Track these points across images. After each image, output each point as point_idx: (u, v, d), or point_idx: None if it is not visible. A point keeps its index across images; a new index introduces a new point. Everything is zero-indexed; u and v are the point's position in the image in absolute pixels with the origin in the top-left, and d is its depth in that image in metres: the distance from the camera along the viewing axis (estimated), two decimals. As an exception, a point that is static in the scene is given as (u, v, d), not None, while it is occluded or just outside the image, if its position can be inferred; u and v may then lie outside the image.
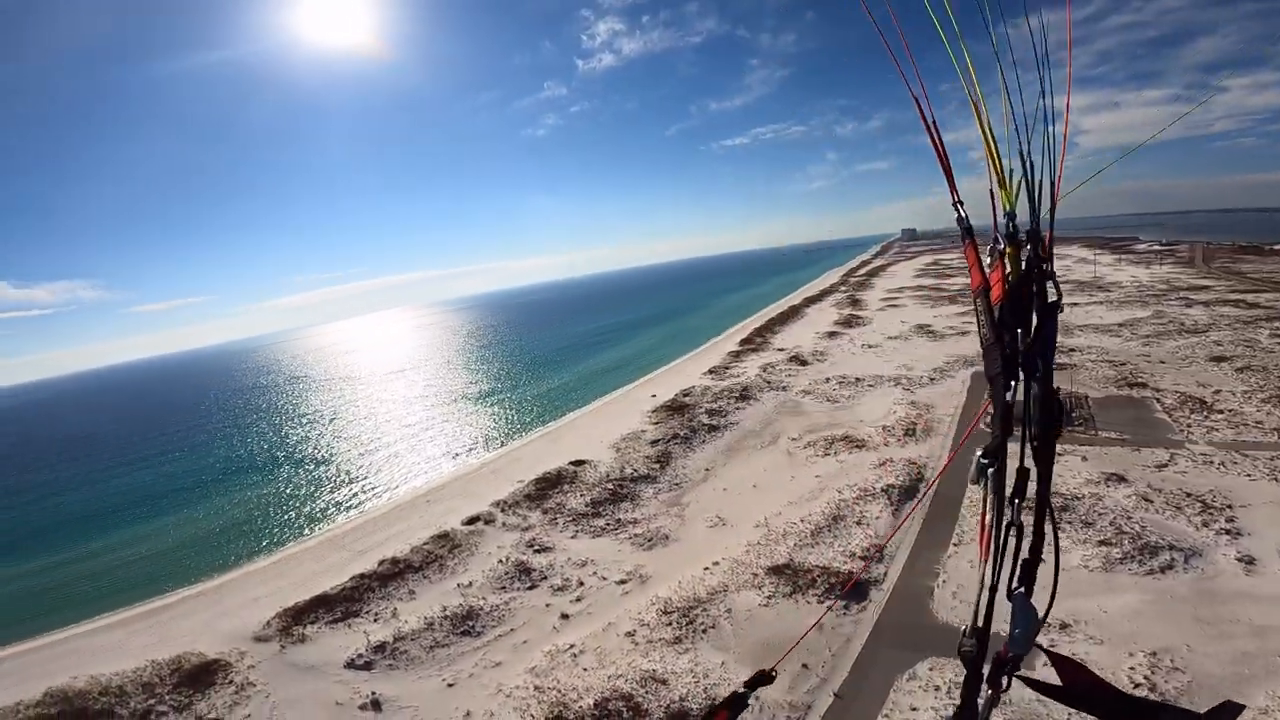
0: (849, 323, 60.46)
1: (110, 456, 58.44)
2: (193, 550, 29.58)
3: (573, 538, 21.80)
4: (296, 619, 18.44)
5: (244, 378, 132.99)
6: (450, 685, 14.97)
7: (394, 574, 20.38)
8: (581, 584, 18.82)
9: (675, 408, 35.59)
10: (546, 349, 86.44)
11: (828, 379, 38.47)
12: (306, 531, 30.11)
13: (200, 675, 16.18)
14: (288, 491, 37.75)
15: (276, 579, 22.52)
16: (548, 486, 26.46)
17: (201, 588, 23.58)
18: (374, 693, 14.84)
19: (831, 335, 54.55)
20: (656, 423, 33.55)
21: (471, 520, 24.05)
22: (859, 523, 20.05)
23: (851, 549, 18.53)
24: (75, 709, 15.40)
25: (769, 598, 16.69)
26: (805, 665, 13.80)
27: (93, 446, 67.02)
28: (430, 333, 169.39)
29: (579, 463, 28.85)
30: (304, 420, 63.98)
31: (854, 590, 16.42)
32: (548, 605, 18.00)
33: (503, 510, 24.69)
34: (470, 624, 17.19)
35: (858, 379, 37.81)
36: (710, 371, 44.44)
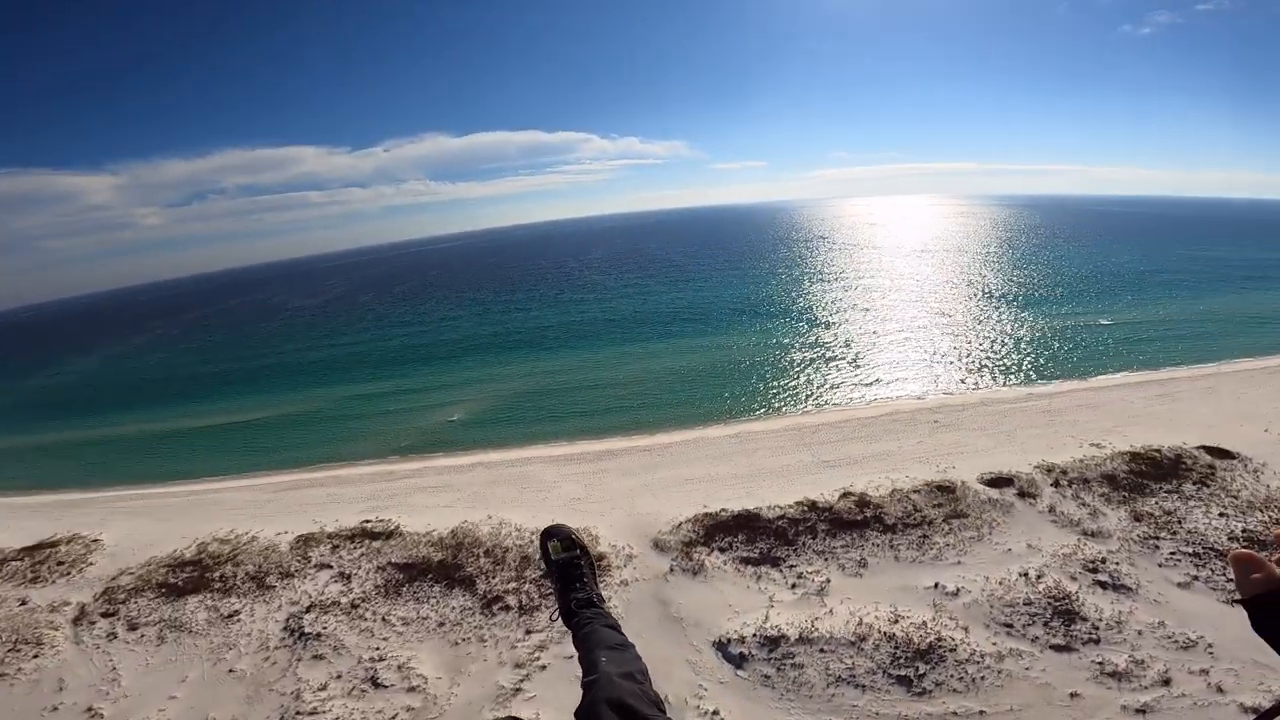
0: None
1: (672, 275, 68.96)
2: (679, 387, 29.32)
3: (1182, 585, 11.71)
4: (708, 535, 14.15)
5: (779, 231, 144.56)
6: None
7: (852, 522, 14.18)
8: (1127, 674, 9.47)
9: None
10: (1150, 269, 62.65)
11: None
12: (779, 404, 26.59)
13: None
14: (781, 343, 35.25)
15: (726, 460, 19.13)
16: (1150, 475, 15.76)
17: (667, 439, 22.21)
18: (716, 711, 9.55)
19: None
20: None
21: (991, 481, 15.81)
22: None
23: None
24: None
25: None
26: None
27: (662, 267, 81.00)
28: (966, 223, 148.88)
29: (1219, 453, 16.77)
30: (818, 277, 62.48)
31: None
32: (1073, 695, 9.48)
33: (1057, 484, 15.52)
34: (916, 667, 10.06)
35: None
36: None
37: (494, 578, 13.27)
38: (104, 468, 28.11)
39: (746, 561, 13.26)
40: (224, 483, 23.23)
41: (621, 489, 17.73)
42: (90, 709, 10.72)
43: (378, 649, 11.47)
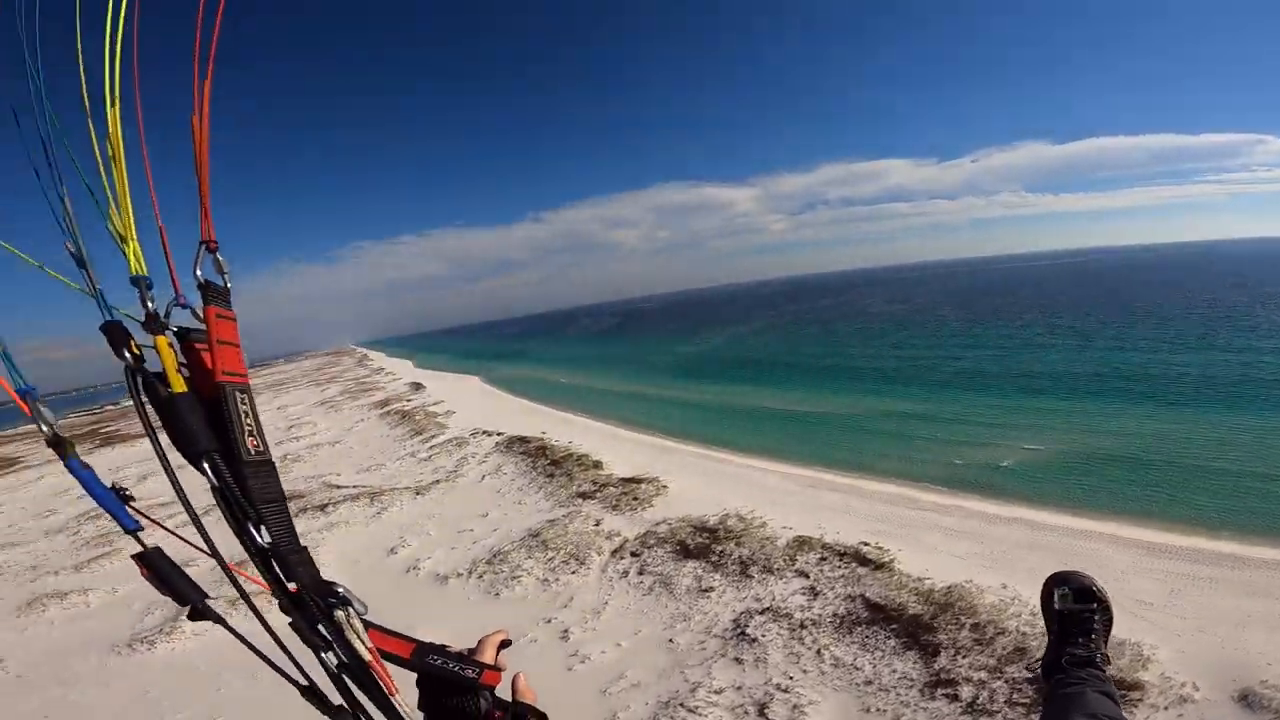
0: None
1: None
2: None
3: None
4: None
5: None
6: None
7: None
8: None
9: None
10: None
11: None
12: None
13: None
14: None
15: None
16: None
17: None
18: None
19: None
20: None
21: None
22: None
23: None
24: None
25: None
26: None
27: None
28: None
29: None
30: None
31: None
32: None
33: None
34: None
35: None
36: None
37: (963, 657, 10.21)
38: (693, 424, 34.08)
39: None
40: (767, 463, 24.91)
41: (1222, 609, 11.51)
42: (566, 631, 12.59)
43: (791, 679, 10.25)
